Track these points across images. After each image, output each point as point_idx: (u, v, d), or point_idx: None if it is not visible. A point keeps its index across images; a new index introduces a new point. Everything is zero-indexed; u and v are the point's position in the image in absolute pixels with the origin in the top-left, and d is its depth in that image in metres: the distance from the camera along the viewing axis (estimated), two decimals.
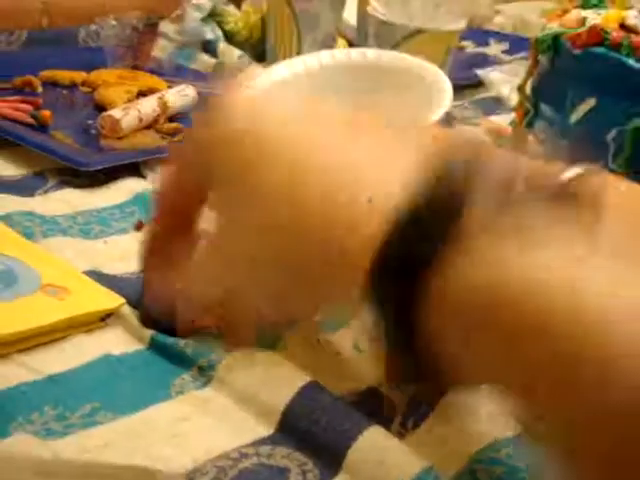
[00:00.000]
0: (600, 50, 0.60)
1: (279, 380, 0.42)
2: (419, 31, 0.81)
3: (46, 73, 0.81)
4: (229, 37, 0.94)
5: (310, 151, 0.37)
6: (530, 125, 0.65)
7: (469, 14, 0.90)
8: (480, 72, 0.95)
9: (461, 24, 0.85)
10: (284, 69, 0.66)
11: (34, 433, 0.38)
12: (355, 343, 0.46)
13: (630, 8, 0.62)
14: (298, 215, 0.36)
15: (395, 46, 0.79)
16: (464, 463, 0.40)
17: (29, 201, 0.59)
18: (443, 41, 0.83)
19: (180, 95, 0.77)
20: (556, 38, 0.62)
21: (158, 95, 0.76)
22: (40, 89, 0.78)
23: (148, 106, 0.74)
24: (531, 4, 1.28)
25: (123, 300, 0.46)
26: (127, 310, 0.46)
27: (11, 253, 0.49)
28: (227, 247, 0.39)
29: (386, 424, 0.41)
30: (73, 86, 0.81)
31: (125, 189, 0.63)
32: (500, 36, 1.12)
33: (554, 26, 0.63)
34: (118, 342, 0.45)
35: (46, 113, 0.71)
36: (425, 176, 0.33)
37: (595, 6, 0.63)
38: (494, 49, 1.07)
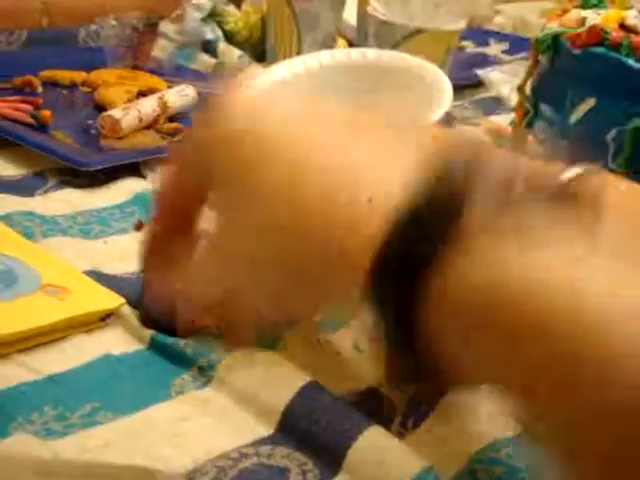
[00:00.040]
0: (600, 50, 0.60)
1: (279, 380, 0.42)
2: (419, 31, 0.81)
3: (46, 73, 0.81)
4: (229, 37, 0.94)
5: (310, 151, 0.37)
6: (530, 125, 0.65)
7: (469, 14, 0.90)
8: (480, 72, 0.95)
9: (461, 24, 0.85)
10: (284, 69, 0.66)
11: (34, 433, 0.38)
12: (355, 343, 0.46)
13: (630, 8, 0.62)
14: (298, 215, 0.36)
15: (395, 46, 0.79)
16: (464, 463, 0.40)
17: (29, 201, 0.59)
18: (443, 41, 0.83)
19: (180, 95, 0.77)
20: (556, 38, 0.62)
21: (158, 95, 0.76)
22: (40, 89, 0.78)
23: (148, 106, 0.74)
24: (531, 4, 1.28)
25: (123, 300, 0.46)
26: (127, 310, 0.46)
27: (11, 253, 0.49)
28: (227, 247, 0.39)
29: (386, 424, 0.40)
30: (73, 86, 0.81)
31: (125, 189, 0.63)
32: (500, 36, 1.12)
33: (554, 26, 0.63)
34: (118, 342, 0.45)
35: (46, 113, 0.71)
36: (425, 176, 0.33)
37: (595, 6, 0.63)
38: (494, 49, 1.07)
